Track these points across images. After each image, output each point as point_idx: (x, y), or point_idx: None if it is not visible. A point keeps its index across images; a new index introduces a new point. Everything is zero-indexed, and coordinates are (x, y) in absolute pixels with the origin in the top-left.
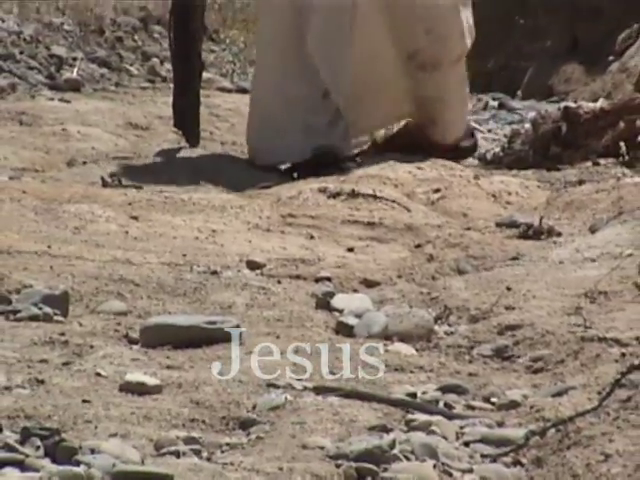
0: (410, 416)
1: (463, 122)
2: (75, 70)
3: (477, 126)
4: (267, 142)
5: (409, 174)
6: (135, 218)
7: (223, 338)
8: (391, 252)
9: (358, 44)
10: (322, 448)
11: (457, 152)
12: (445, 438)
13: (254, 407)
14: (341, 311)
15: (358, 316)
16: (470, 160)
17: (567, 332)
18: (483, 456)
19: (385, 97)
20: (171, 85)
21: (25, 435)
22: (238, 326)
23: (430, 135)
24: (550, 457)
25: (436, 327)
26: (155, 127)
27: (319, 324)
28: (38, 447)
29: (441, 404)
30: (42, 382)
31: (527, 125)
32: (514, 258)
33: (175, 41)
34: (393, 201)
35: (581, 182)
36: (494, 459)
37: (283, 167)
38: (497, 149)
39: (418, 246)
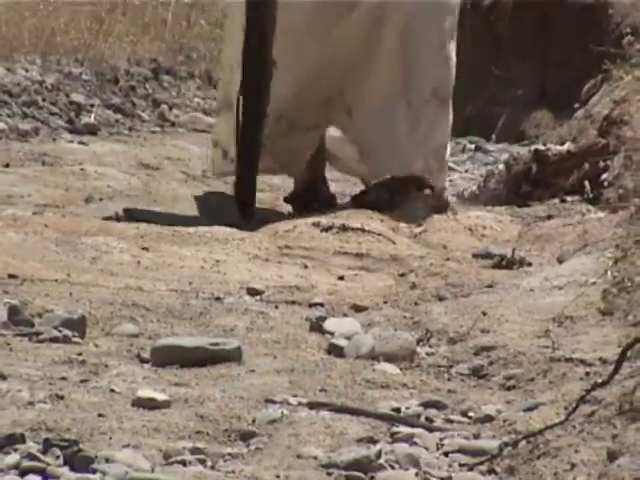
0: (395, 429)
1: None
2: (92, 116)
3: (455, 166)
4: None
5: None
6: (146, 249)
7: (226, 358)
8: (378, 280)
9: None
10: (315, 458)
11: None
12: (426, 449)
13: (253, 421)
14: (332, 334)
15: (348, 338)
16: (448, 197)
17: (537, 353)
18: (461, 465)
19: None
20: (179, 130)
21: (46, 446)
22: (239, 347)
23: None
24: (521, 466)
25: (418, 348)
26: (164, 167)
27: (313, 345)
28: (58, 457)
29: (423, 418)
30: (62, 398)
31: (501, 166)
32: (489, 286)
33: (246, 123)
34: (379, 234)
35: (549, 217)
36: (471, 468)
37: None
38: (474, 187)
39: (402, 275)
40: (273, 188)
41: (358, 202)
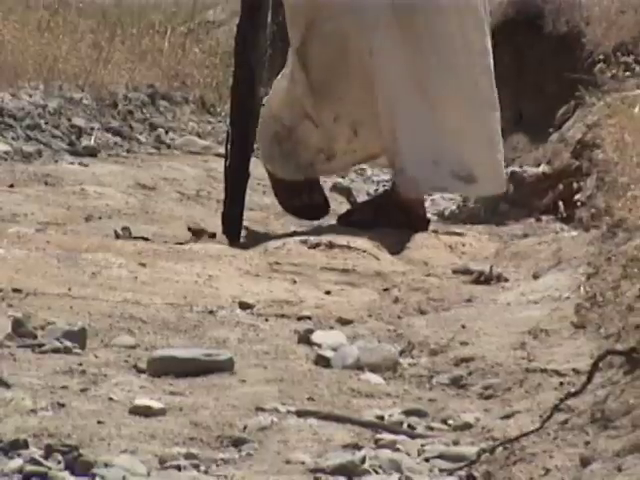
0: (378, 436)
1: None
2: (92, 138)
3: None
4: None
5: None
6: (143, 265)
7: (218, 368)
8: (362, 295)
9: None
10: (303, 463)
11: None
12: (408, 454)
13: (245, 428)
14: (320, 345)
15: (334, 350)
16: (429, 217)
17: (513, 364)
18: (441, 470)
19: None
20: (174, 152)
21: (48, 451)
22: (231, 358)
23: None
24: (499, 471)
25: (401, 359)
26: (160, 187)
27: (301, 356)
28: (59, 461)
29: (405, 425)
30: (63, 405)
31: None
32: (468, 300)
33: (232, 159)
34: (364, 251)
35: (525, 235)
36: (450, 473)
37: None
38: (454, 207)
39: (386, 290)
40: (263, 207)
41: (343, 222)
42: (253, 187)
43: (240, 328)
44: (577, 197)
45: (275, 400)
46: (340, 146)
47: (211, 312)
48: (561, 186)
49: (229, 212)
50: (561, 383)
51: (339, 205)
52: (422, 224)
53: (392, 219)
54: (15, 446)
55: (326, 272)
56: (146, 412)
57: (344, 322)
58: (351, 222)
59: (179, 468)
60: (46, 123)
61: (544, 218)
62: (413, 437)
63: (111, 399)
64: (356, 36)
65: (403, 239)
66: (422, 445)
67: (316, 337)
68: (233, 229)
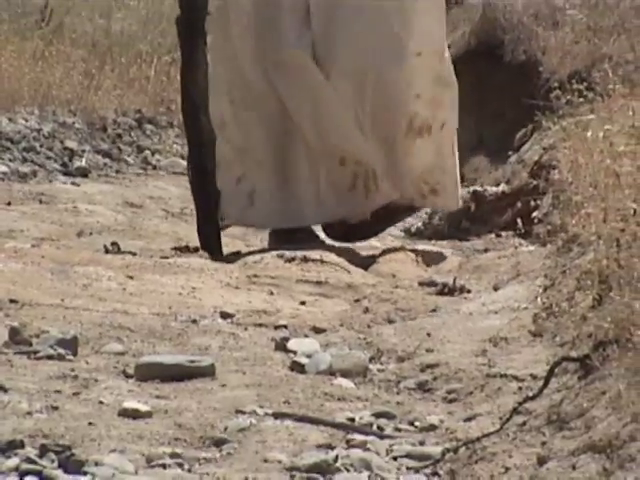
0: (350, 436)
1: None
2: (84, 160)
3: None
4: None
5: (349, 243)
6: (131, 277)
7: (201, 374)
8: (335, 305)
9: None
10: (279, 462)
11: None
12: (378, 454)
13: (225, 429)
14: (295, 352)
15: (309, 356)
16: (397, 233)
17: (475, 370)
18: (408, 468)
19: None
20: (160, 172)
21: (43, 450)
22: (213, 364)
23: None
24: (462, 469)
25: (371, 365)
26: (147, 205)
27: (278, 362)
28: (53, 460)
29: (374, 427)
30: (56, 408)
31: None
32: (433, 310)
33: (194, 177)
34: (337, 264)
35: (486, 250)
36: (417, 471)
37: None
38: (419, 224)
39: (356, 301)
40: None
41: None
42: None
43: (221, 336)
44: (534, 214)
45: (254, 403)
46: None
47: (194, 321)
48: (519, 204)
49: (203, 229)
50: (519, 388)
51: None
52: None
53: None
54: (12, 446)
55: (301, 284)
56: (134, 414)
57: (318, 331)
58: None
59: (164, 466)
60: (41, 146)
61: (504, 234)
62: (382, 438)
63: (101, 402)
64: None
65: (373, 252)
66: (390, 445)
67: (292, 345)
68: (211, 244)
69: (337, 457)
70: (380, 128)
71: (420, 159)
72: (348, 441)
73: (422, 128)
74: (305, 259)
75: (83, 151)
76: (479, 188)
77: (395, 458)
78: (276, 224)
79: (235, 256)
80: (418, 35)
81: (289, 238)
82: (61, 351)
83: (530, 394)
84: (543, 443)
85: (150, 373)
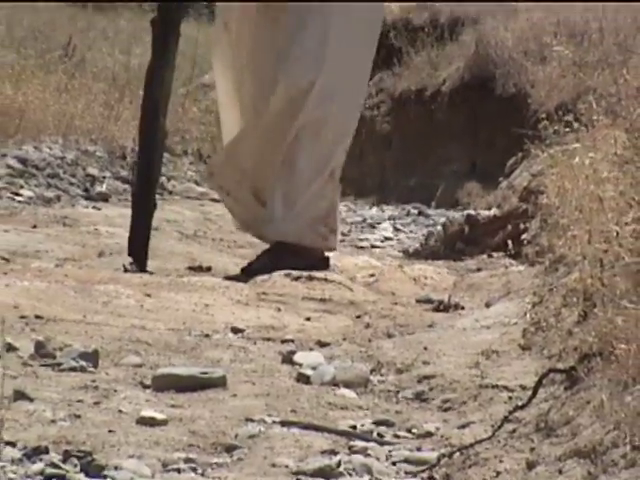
0: (352, 443)
1: None
2: (104, 185)
3: (402, 228)
4: None
5: (351, 263)
6: (148, 295)
7: (213, 384)
8: (338, 321)
9: None
10: (286, 466)
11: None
12: (378, 459)
13: (236, 436)
14: (301, 365)
15: (314, 368)
16: (396, 253)
17: (468, 381)
18: (406, 473)
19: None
20: (175, 197)
21: (66, 456)
22: (224, 376)
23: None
24: (456, 474)
25: (371, 377)
26: (163, 228)
27: (284, 374)
28: (76, 465)
29: (375, 434)
30: (79, 417)
31: (439, 227)
32: (429, 326)
33: (138, 182)
34: (340, 283)
35: (479, 269)
36: (414, 475)
37: None
38: (417, 245)
39: (358, 317)
40: (252, 244)
41: (247, 271)
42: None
43: (232, 350)
44: (524, 236)
45: (262, 412)
46: None
47: (207, 336)
48: (510, 227)
49: (135, 238)
50: (510, 397)
51: None
52: (320, 263)
53: (289, 263)
54: (37, 452)
55: (306, 301)
56: (151, 422)
57: (322, 344)
58: (252, 270)
59: (179, 471)
60: (64, 172)
61: (495, 254)
62: (382, 444)
63: (120, 411)
64: None
65: (373, 272)
66: (390, 451)
67: (298, 357)
68: (139, 253)
69: (340, 462)
70: (306, 168)
71: (328, 201)
72: (350, 447)
73: (333, 173)
74: (310, 278)
75: (104, 177)
76: (472, 212)
77: (394, 463)
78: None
79: (245, 275)
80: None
81: None
82: (83, 363)
83: (520, 403)
84: (532, 449)
85: (166, 384)
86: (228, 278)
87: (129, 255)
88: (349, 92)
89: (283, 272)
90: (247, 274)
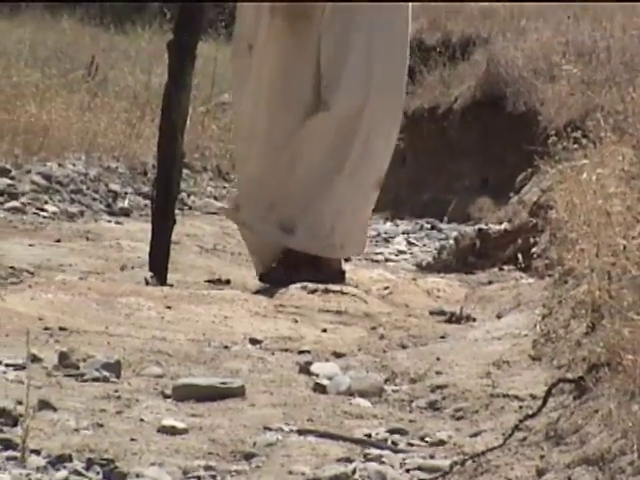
0: (367, 451)
1: None
2: (126, 201)
3: (415, 242)
4: None
5: (366, 276)
6: (169, 307)
7: (232, 394)
8: (353, 332)
9: None
10: (303, 474)
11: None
12: (392, 467)
13: (254, 444)
14: (317, 375)
15: (330, 378)
16: (409, 267)
17: (480, 390)
18: None
19: None
20: (195, 212)
21: (89, 464)
22: (243, 386)
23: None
24: None
25: (386, 386)
26: (184, 242)
27: (301, 384)
28: (98, 472)
29: (389, 442)
30: (101, 425)
31: (451, 241)
32: (442, 337)
33: (158, 200)
34: (355, 295)
35: (490, 282)
36: None
37: None
38: (430, 258)
39: (373, 328)
40: None
41: (264, 279)
42: None
43: (250, 360)
44: (534, 250)
45: (280, 421)
46: None
47: (226, 347)
48: (520, 241)
49: (156, 253)
50: (520, 406)
51: None
52: (337, 276)
53: (306, 276)
54: (61, 460)
55: (323, 313)
56: (171, 431)
57: (338, 355)
58: (269, 280)
59: (199, 478)
60: (87, 188)
61: (506, 268)
62: (396, 452)
63: (142, 420)
64: None
65: (387, 285)
66: (403, 459)
67: (314, 368)
68: (159, 267)
69: (355, 469)
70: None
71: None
72: (365, 455)
73: (378, 183)
74: (326, 290)
75: (125, 193)
76: (484, 226)
77: (408, 470)
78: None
79: (263, 288)
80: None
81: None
82: (106, 374)
83: (530, 412)
84: (542, 457)
85: (186, 394)
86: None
87: (150, 270)
88: (394, 107)
89: (300, 285)
90: (263, 281)
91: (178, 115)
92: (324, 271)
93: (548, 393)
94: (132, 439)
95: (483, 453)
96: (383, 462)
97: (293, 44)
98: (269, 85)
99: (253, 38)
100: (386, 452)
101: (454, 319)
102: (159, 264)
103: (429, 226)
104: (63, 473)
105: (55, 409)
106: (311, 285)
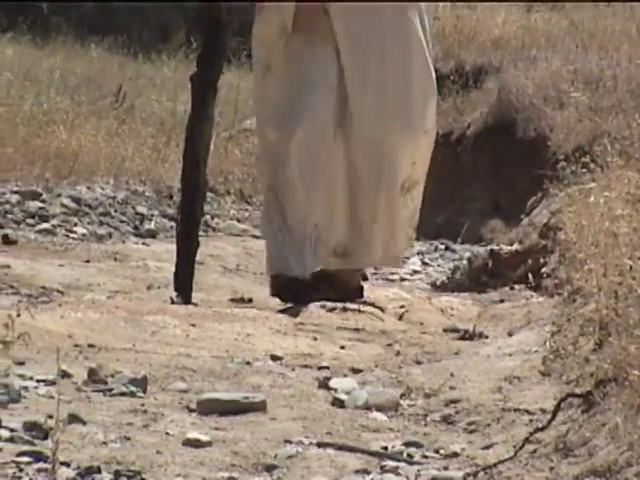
0: (383, 463)
1: None
2: (152, 223)
3: (430, 262)
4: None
5: (383, 295)
6: (193, 325)
7: (254, 408)
8: (370, 349)
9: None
10: None
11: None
12: (407, 478)
13: (275, 456)
14: (336, 390)
15: (347, 393)
16: (424, 286)
17: (492, 405)
18: None
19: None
20: (219, 234)
21: (117, 475)
22: (264, 400)
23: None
24: None
25: (401, 401)
26: (207, 262)
27: (320, 399)
28: None
29: (405, 454)
30: (129, 439)
31: (464, 262)
32: (456, 353)
33: (182, 225)
34: (372, 313)
35: (502, 301)
36: None
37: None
38: (444, 278)
39: (389, 345)
40: None
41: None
42: None
43: (271, 376)
44: (543, 270)
45: (300, 434)
46: None
47: (248, 363)
48: (530, 261)
49: (181, 274)
50: (531, 420)
51: None
52: (353, 294)
53: (323, 293)
54: (90, 471)
55: (341, 331)
56: (196, 444)
57: (355, 371)
58: (289, 298)
59: None
60: (115, 211)
61: (517, 287)
62: (411, 464)
63: (167, 433)
64: None
65: (403, 303)
66: (418, 470)
67: (333, 383)
68: (184, 288)
69: None
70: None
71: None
72: (382, 467)
73: (409, 187)
74: (344, 309)
75: (152, 215)
76: (495, 247)
77: None
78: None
79: (283, 306)
80: (430, 114)
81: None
82: (133, 389)
83: (540, 426)
84: (551, 468)
85: (210, 408)
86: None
87: (175, 290)
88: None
89: (319, 303)
90: (284, 300)
91: (201, 146)
92: (341, 290)
93: (557, 407)
94: (158, 452)
95: (495, 465)
96: (399, 474)
97: (310, 55)
98: (290, 100)
99: (270, 59)
100: (402, 464)
101: (467, 336)
102: (184, 284)
103: (443, 247)
104: None
105: (84, 423)
106: (330, 304)
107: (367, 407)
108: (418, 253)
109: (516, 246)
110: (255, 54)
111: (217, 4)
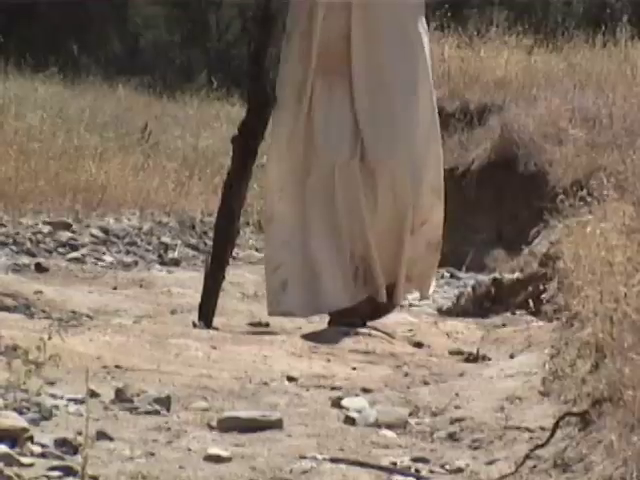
0: (392, 477)
1: None
2: (176, 252)
3: (436, 289)
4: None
5: (392, 320)
6: (214, 348)
7: (271, 426)
8: (380, 370)
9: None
10: None
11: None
12: None
13: (291, 471)
14: (348, 409)
15: (359, 412)
16: (431, 311)
17: (495, 423)
18: None
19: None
20: (238, 262)
21: None
22: (281, 419)
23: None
24: None
25: (410, 419)
26: (227, 289)
27: (333, 417)
28: None
29: (413, 470)
30: (153, 454)
31: (469, 289)
32: (460, 375)
33: (212, 265)
34: (381, 337)
35: (504, 325)
36: None
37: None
38: (449, 304)
39: (398, 367)
40: None
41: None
42: None
43: (287, 396)
44: (543, 296)
45: (314, 450)
46: None
47: (265, 383)
48: (531, 288)
49: (205, 304)
50: (531, 437)
51: None
52: (374, 314)
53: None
54: None
55: (353, 353)
56: (216, 459)
57: (366, 391)
58: (339, 324)
59: None
60: (141, 240)
61: (518, 312)
62: (419, 479)
63: (190, 449)
64: None
65: (411, 327)
66: None
67: (345, 402)
68: (207, 319)
69: None
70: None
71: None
72: None
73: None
74: (356, 333)
75: (176, 245)
76: (498, 275)
77: None
78: (304, 312)
79: (299, 331)
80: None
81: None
82: (157, 407)
83: (539, 443)
84: None
85: (230, 425)
86: (284, 332)
87: (199, 318)
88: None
89: (333, 329)
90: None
91: (237, 204)
92: (349, 316)
93: (556, 425)
94: (181, 467)
95: None
96: None
97: (329, 98)
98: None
99: (302, 91)
100: (410, 478)
101: (471, 358)
102: (207, 313)
103: (449, 275)
104: None
105: (111, 439)
106: (343, 328)
107: (377, 425)
108: None
109: (517, 274)
110: (282, 80)
111: (263, 84)
